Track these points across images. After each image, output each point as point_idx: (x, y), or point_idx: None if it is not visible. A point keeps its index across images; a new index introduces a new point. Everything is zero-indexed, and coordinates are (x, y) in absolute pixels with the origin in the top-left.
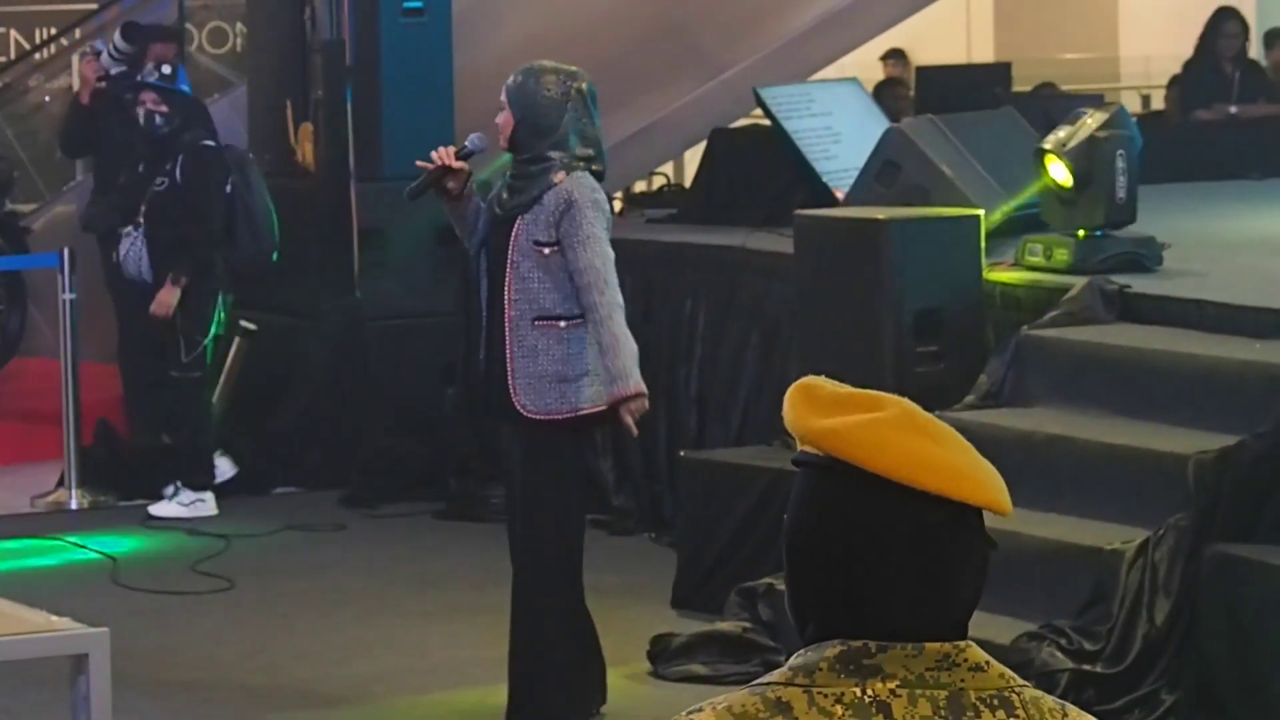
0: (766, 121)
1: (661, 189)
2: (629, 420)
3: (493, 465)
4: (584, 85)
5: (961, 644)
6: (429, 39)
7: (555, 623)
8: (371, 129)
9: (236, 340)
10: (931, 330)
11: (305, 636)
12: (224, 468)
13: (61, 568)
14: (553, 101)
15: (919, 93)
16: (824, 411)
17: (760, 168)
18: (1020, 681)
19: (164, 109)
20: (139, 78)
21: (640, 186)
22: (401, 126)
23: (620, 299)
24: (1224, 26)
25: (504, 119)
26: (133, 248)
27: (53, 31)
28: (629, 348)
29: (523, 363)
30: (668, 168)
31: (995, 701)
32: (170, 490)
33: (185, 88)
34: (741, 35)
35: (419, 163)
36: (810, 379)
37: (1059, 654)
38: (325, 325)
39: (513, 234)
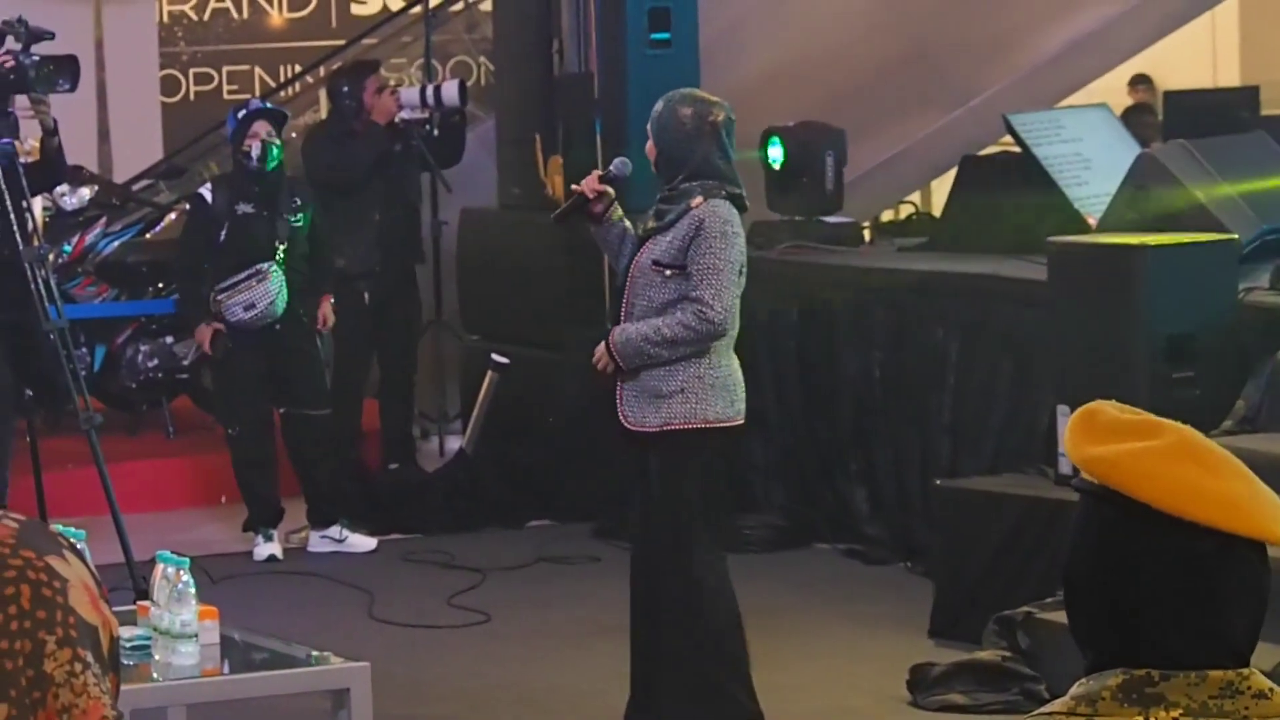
0: (1016, 148)
1: (910, 217)
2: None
3: (744, 494)
4: (720, 117)
5: (1245, 671)
6: (676, 69)
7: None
8: None
9: (489, 374)
10: (1186, 355)
11: (561, 669)
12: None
13: (317, 603)
14: (685, 134)
15: (1167, 117)
16: (1099, 439)
17: (1011, 195)
18: None
19: (278, 140)
20: (247, 107)
21: (888, 215)
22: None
23: (721, 329)
24: None
25: (649, 147)
26: (272, 286)
27: (297, 69)
28: (661, 354)
29: (628, 377)
30: (915, 196)
31: None
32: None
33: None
34: (989, 62)
35: (573, 186)
36: (1095, 404)
37: None
38: (575, 357)
39: (640, 253)
